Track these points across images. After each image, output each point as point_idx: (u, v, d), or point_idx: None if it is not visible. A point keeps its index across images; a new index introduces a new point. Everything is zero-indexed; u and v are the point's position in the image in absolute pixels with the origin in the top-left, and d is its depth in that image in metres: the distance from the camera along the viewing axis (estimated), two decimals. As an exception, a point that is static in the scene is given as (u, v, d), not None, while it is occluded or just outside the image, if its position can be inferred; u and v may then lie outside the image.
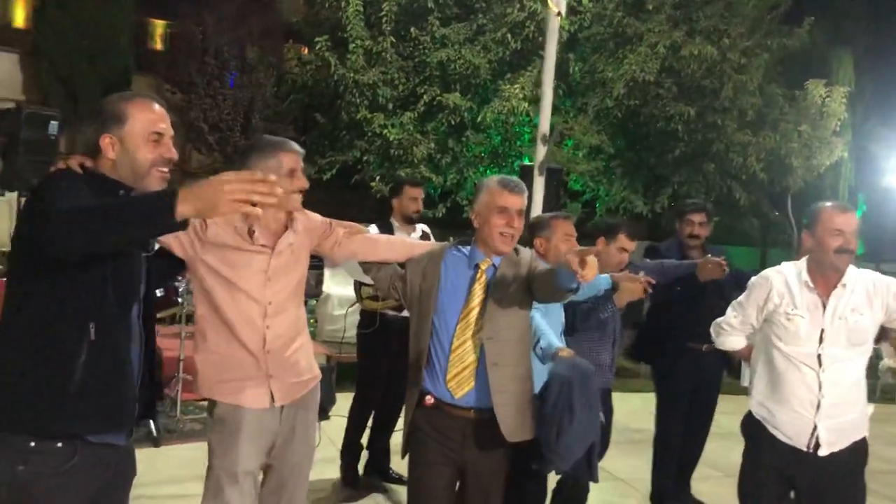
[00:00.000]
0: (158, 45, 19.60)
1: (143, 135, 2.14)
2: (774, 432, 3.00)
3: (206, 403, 2.82)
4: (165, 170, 2.19)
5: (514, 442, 2.79)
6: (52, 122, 6.16)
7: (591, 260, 2.36)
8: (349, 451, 4.81)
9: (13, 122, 6.15)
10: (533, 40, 11.20)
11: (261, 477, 2.76)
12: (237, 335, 2.60)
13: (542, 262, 2.97)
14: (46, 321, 2.01)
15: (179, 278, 5.25)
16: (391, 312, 4.54)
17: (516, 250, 2.89)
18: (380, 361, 4.69)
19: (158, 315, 5.46)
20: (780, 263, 3.11)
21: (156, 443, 5.04)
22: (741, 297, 3.21)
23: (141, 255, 2.23)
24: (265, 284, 2.62)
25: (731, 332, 3.28)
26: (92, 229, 1.80)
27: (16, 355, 2.02)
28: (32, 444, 2.00)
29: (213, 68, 12.74)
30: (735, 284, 4.02)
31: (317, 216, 2.89)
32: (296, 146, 2.70)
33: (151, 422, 5.10)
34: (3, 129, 6.30)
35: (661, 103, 11.33)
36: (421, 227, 4.94)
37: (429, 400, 2.80)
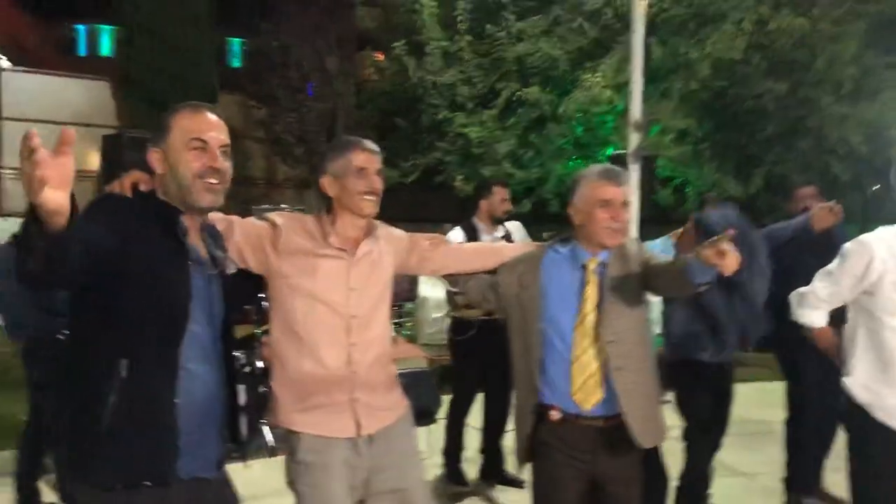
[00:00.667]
0: (239, 63, 20.20)
1: (183, 144, 1.96)
2: (885, 419, 2.74)
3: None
4: (214, 181, 1.99)
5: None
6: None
7: (729, 249, 2.22)
8: (449, 453, 4.82)
9: (115, 147, 6.34)
10: (611, 27, 10.98)
11: None
12: (317, 354, 2.36)
13: (655, 252, 2.83)
14: (79, 357, 1.89)
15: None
16: (484, 317, 4.47)
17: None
18: (474, 366, 4.66)
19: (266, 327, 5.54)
20: None
21: (272, 452, 5.11)
22: (832, 266, 2.93)
23: (198, 275, 2.02)
24: (348, 296, 2.39)
25: (816, 305, 2.99)
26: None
27: (66, 400, 1.91)
28: (102, 492, 1.85)
29: (295, 81, 13.01)
30: None
31: (398, 230, 2.68)
32: (369, 145, 2.46)
33: (267, 431, 5.18)
34: (107, 153, 6.52)
35: (750, 81, 10.92)
36: (509, 226, 4.85)
37: (554, 415, 2.63)
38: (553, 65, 11.31)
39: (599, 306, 2.61)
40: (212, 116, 2.03)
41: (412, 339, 7.27)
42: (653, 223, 7.23)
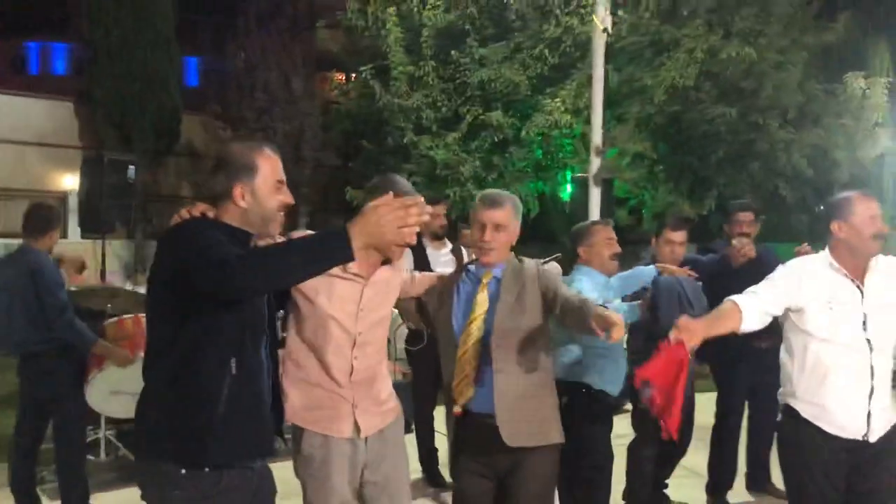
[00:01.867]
0: (204, 83, 20.19)
1: (272, 183, 2.26)
2: (829, 429, 2.87)
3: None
4: (282, 213, 2.33)
5: (561, 443, 2.92)
6: (131, 167, 6.50)
7: (616, 321, 2.48)
8: (423, 459, 5.14)
9: (96, 170, 6.49)
10: (570, 54, 11.43)
11: None
12: (326, 363, 2.65)
13: (553, 279, 2.98)
14: (193, 358, 2.14)
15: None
16: None
17: (520, 260, 2.96)
18: (429, 374, 4.93)
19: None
20: None
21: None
22: (771, 277, 3.00)
23: None
24: (357, 315, 2.67)
25: (759, 304, 2.92)
26: (277, 270, 1.96)
27: (166, 389, 2.17)
28: (183, 471, 2.14)
29: (261, 102, 13.17)
30: None
31: (405, 272, 2.99)
32: (412, 192, 2.72)
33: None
34: (87, 176, 6.65)
35: (702, 107, 11.45)
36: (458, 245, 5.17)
37: (456, 410, 2.88)
38: (515, 90, 11.72)
39: (487, 313, 2.85)
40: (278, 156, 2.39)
41: (387, 355, 7.50)
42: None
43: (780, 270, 2.99)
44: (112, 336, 4.79)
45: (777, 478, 4.71)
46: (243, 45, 13.98)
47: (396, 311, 6.78)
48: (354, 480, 2.71)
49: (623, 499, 4.28)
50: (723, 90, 11.44)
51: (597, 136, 6.75)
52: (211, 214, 2.26)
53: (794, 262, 3.04)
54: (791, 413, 2.96)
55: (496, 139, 11.86)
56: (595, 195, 6.68)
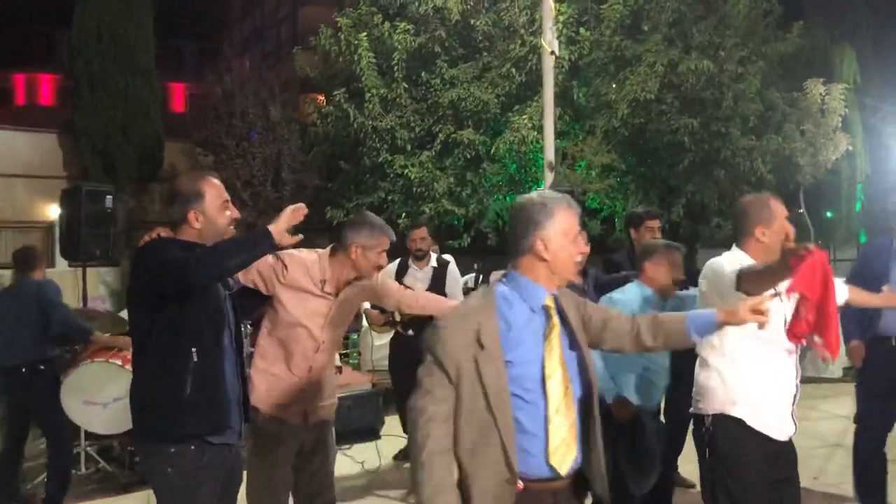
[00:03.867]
0: (184, 109, 20.53)
1: (218, 204, 2.81)
2: (762, 429, 2.92)
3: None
4: (232, 227, 2.89)
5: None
6: (108, 196, 6.81)
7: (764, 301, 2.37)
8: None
9: (74, 200, 6.79)
10: (536, 72, 11.78)
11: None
12: (291, 361, 3.20)
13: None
14: (164, 350, 2.63)
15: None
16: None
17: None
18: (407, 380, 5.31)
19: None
20: None
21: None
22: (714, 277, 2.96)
23: (225, 293, 2.86)
24: (323, 327, 3.22)
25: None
26: (220, 261, 2.52)
27: (148, 378, 2.69)
28: (173, 449, 2.61)
29: (240, 129, 13.49)
30: None
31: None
32: (392, 235, 3.32)
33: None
34: (66, 206, 6.96)
35: (666, 118, 11.82)
36: (446, 258, 5.58)
37: (519, 485, 2.20)
38: (485, 108, 12.07)
39: (562, 351, 2.33)
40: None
41: (357, 367, 7.80)
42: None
43: (728, 267, 2.87)
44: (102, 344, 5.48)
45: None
46: (221, 73, 14.30)
47: (367, 324, 7.18)
48: (293, 457, 3.26)
49: None
50: (684, 101, 11.82)
51: (549, 153, 7.11)
52: (165, 234, 2.79)
53: (717, 263, 2.99)
54: (727, 422, 2.92)
55: (469, 156, 12.20)
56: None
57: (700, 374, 3.08)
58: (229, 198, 2.88)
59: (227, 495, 2.84)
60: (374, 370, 7.20)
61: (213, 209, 2.78)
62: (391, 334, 5.81)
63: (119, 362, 5.31)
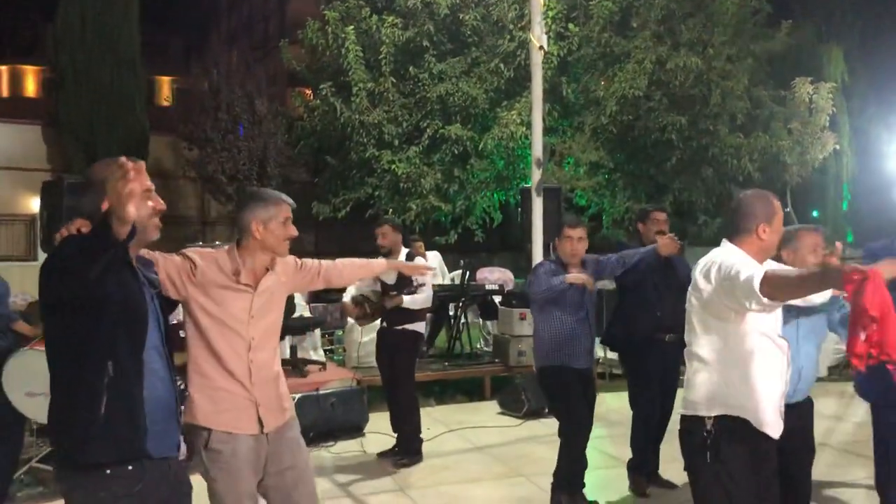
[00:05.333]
0: (169, 103, 20.34)
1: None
2: (763, 429, 2.81)
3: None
4: (157, 219, 2.46)
5: None
6: (90, 189, 6.69)
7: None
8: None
9: (55, 193, 6.66)
10: (525, 68, 11.74)
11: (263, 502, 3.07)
12: (227, 367, 2.88)
13: None
14: (74, 366, 2.29)
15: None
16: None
17: None
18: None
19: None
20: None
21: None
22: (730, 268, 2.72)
23: (147, 293, 2.47)
24: (249, 322, 2.91)
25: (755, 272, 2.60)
26: (73, 265, 2.10)
27: (61, 398, 2.35)
28: (108, 471, 2.30)
29: (226, 123, 13.37)
30: None
31: (290, 257, 3.17)
32: (289, 199, 3.03)
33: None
34: (47, 199, 6.85)
35: (654, 115, 11.81)
36: (429, 255, 5.55)
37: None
38: (473, 103, 12.03)
39: None
40: (141, 165, 2.37)
41: (342, 364, 7.72)
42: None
43: (739, 265, 2.70)
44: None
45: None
46: (208, 66, 14.16)
47: (351, 321, 7.12)
48: (258, 471, 2.96)
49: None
50: (673, 99, 11.81)
51: (537, 149, 7.03)
52: (85, 229, 2.33)
53: (719, 254, 2.85)
54: (731, 424, 2.80)
55: (456, 152, 12.14)
56: (538, 205, 6.95)
57: (699, 376, 2.89)
58: (152, 186, 2.44)
59: None
60: (359, 367, 7.14)
61: None
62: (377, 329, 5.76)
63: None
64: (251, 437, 2.93)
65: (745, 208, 2.93)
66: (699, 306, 2.87)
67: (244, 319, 2.92)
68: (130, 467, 2.34)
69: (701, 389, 2.86)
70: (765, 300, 2.52)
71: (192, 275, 2.86)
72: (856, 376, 4.26)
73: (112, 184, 2.01)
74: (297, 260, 3.24)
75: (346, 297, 6.01)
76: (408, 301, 5.46)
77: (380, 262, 3.59)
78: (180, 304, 2.93)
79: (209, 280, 2.87)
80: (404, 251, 5.63)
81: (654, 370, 4.84)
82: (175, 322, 3.21)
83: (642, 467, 4.93)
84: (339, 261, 3.48)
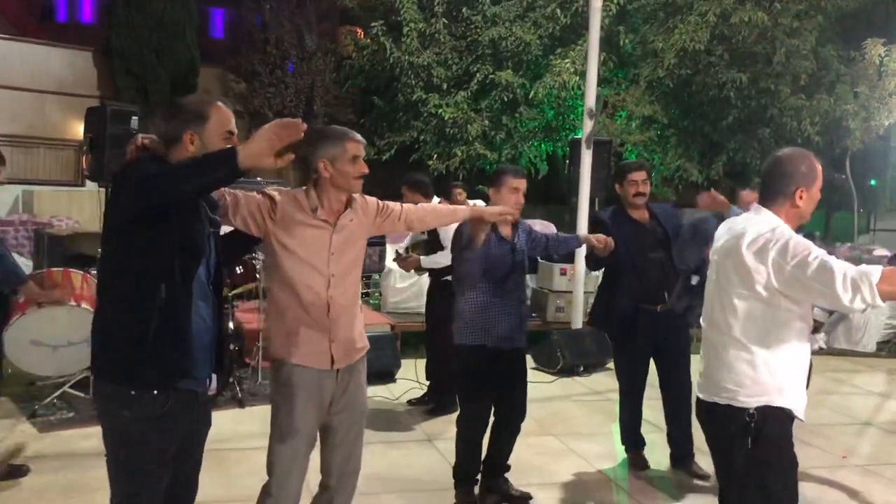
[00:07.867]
0: (220, 35, 20.22)
1: (219, 133, 2.47)
2: (799, 415, 2.69)
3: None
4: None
5: None
6: (134, 117, 6.61)
7: None
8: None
9: (99, 119, 6.62)
10: (582, 15, 11.36)
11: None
12: (304, 304, 2.89)
13: None
14: (130, 284, 2.37)
15: (256, 256, 5.73)
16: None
17: None
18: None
19: (238, 290, 5.95)
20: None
21: (241, 404, 5.56)
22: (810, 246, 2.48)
23: (207, 229, 2.55)
24: (329, 258, 2.92)
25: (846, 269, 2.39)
26: (172, 185, 2.24)
27: (111, 314, 2.44)
28: (133, 392, 2.38)
29: (275, 57, 13.22)
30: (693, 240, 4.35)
31: (372, 199, 3.16)
32: (359, 136, 2.98)
33: (236, 385, 5.66)
34: (90, 125, 6.82)
35: (713, 71, 11.38)
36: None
37: None
38: (526, 49, 11.70)
39: None
40: (231, 111, 2.59)
41: (378, 308, 7.68)
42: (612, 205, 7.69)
43: (802, 239, 2.51)
44: (39, 286, 5.10)
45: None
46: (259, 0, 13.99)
47: (390, 266, 7.08)
48: (323, 408, 2.99)
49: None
50: (734, 55, 11.34)
51: (590, 99, 6.80)
52: (149, 143, 2.51)
53: (773, 224, 2.59)
54: (774, 413, 2.64)
55: (506, 99, 11.87)
56: (587, 157, 6.74)
57: (739, 363, 2.66)
58: (236, 130, 2.52)
59: (192, 444, 2.62)
60: (394, 311, 7.09)
61: (213, 136, 2.46)
62: (414, 278, 5.71)
63: (80, 304, 5.17)
64: (321, 371, 2.95)
65: (780, 169, 2.62)
66: (742, 287, 2.61)
67: (324, 256, 2.94)
68: (156, 392, 2.40)
69: (744, 378, 2.66)
70: (878, 301, 2.30)
71: (273, 212, 2.89)
72: None
73: (277, 129, 2.21)
74: (380, 202, 3.21)
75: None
76: (426, 262, 5.42)
77: (464, 209, 3.51)
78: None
79: (289, 217, 2.89)
80: (436, 200, 5.54)
81: (643, 345, 4.56)
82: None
83: (632, 444, 4.78)
84: (421, 206, 3.47)
